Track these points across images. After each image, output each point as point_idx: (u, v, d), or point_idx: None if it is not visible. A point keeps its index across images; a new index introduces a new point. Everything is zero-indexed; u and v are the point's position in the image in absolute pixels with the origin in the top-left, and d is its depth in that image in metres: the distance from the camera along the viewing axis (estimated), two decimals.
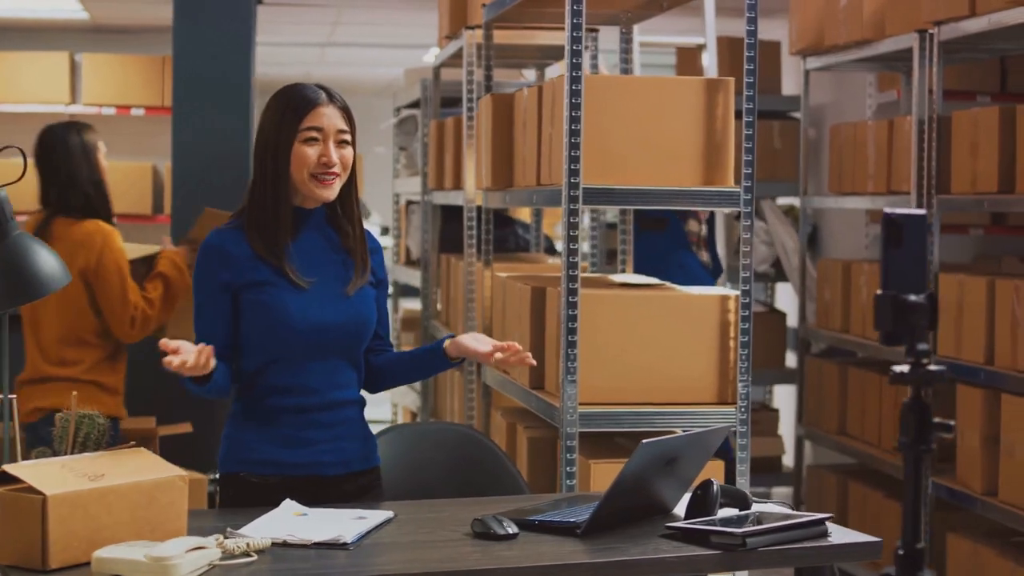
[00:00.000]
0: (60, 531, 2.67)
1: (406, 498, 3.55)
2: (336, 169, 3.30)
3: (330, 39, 10.06)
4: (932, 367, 1.97)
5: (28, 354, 5.08)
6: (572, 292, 3.96)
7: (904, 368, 1.97)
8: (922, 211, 2.03)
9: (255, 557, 2.79)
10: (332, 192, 3.32)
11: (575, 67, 3.93)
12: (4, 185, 2.83)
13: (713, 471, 3.63)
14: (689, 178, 4.05)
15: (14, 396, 3.05)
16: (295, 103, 3.30)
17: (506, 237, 7.52)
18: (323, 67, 11.81)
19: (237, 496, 3.32)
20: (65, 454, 3.01)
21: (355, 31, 9.68)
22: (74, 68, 9.29)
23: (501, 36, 5.55)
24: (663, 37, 7.76)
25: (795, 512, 3.15)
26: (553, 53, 6.25)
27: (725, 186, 4.05)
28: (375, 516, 3.12)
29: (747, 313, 4.02)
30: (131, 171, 9.00)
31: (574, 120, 3.93)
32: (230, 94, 7.10)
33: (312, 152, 3.28)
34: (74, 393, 3.01)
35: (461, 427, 4.14)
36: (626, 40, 5.17)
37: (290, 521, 3.06)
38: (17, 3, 8.71)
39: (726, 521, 3.02)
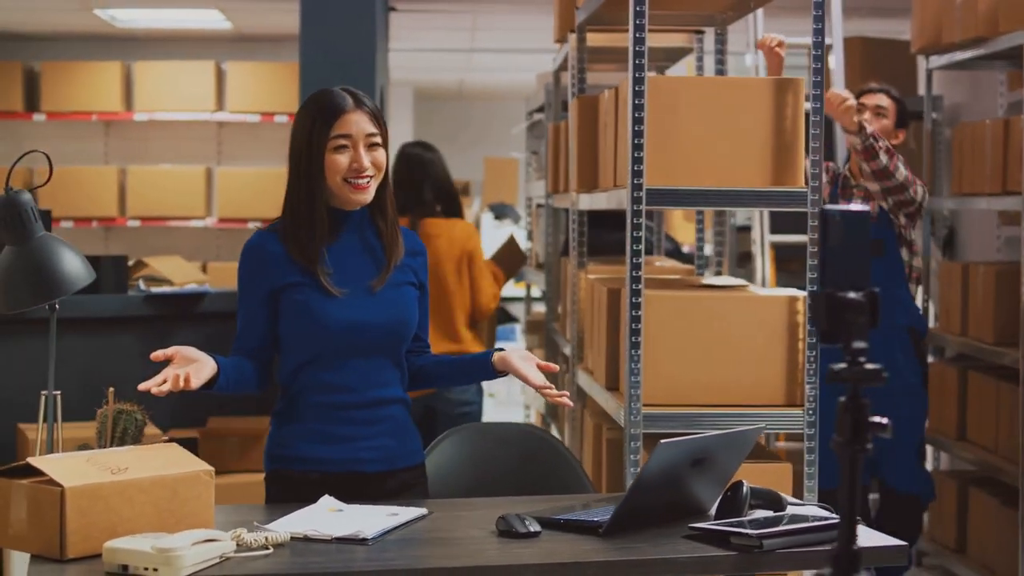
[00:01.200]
0: (79, 522, 2.76)
1: (469, 496, 3.58)
2: (368, 172, 3.35)
3: (473, 45, 10.15)
4: (869, 366, 1.94)
5: None
6: (636, 293, 3.96)
7: (840, 366, 1.95)
8: (864, 207, 2.00)
9: (271, 551, 2.85)
10: (367, 195, 3.37)
11: (638, 68, 3.93)
12: (36, 187, 2.94)
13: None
14: (757, 179, 4.01)
15: (58, 392, 3.15)
16: (324, 111, 3.36)
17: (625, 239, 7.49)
18: (472, 72, 11.93)
19: (281, 492, 3.39)
20: (105, 448, 3.10)
21: (495, 36, 9.76)
22: (220, 76, 9.54)
23: (616, 39, 5.57)
24: (791, 38, 7.66)
25: (832, 515, 3.10)
26: (672, 55, 6.23)
27: (796, 186, 4.01)
28: (408, 513, 3.16)
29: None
30: (273, 176, 9.19)
31: (637, 121, 3.92)
32: None
33: (343, 159, 3.34)
34: (111, 388, 3.10)
35: (525, 426, 4.17)
36: (720, 42, 5.14)
37: (323, 517, 3.11)
38: (164, 15, 8.97)
39: (749, 523, 2.99)
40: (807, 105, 3.99)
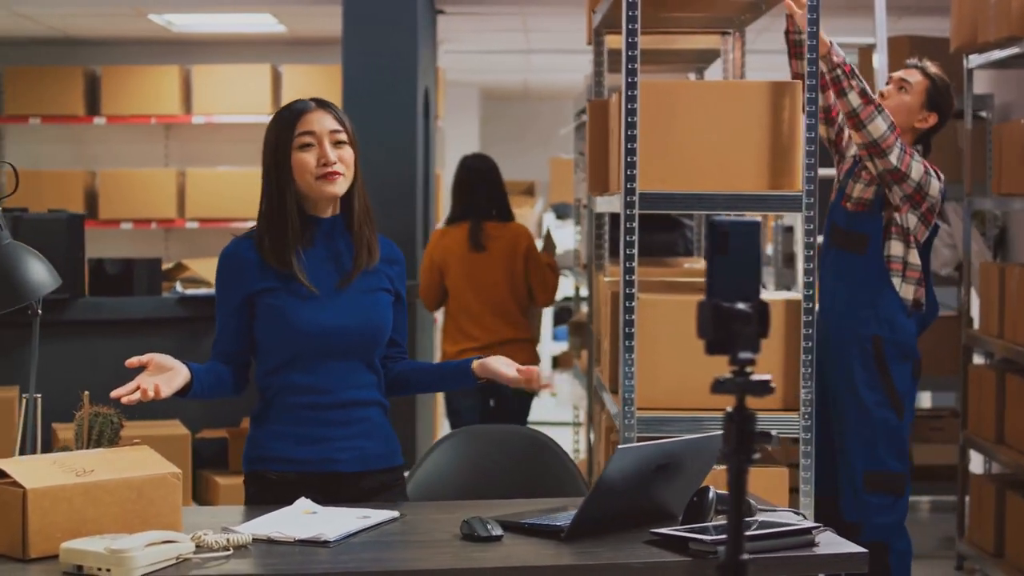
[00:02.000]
0: (41, 523, 2.82)
1: (464, 499, 3.62)
2: (338, 168, 3.40)
3: (529, 46, 10.17)
4: (755, 377, 1.94)
5: (455, 326, 6.60)
6: (629, 297, 3.97)
7: (725, 376, 1.96)
8: (756, 219, 2.00)
9: (231, 552, 2.90)
10: (339, 188, 3.41)
11: (631, 72, 3.94)
12: (6, 196, 3.01)
13: None
14: (754, 182, 4.01)
15: (39, 396, 3.22)
16: (287, 115, 3.44)
17: (675, 241, 7.51)
18: (534, 73, 11.96)
19: (259, 493, 3.44)
20: (82, 449, 3.16)
21: (549, 38, 9.78)
22: (276, 79, 9.64)
23: (656, 41, 5.59)
24: (837, 37, 7.61)
25: (800, 522, 3.09)
26: (708, 56, 6.21)
27: (793, 190, 4.00)
28: (379, 515, 3.20)
29: (810, 318, 3.96)
30: None
31: (630, 126, 3.94)
32: (397, 103, 7.27)
33: (310, 157, 3.39)
34: (86, 392, 3.16)
35: (527, 430, 4.18)
36: (739, 46, 5.12)
37: (295, 519, 3.16)
38: (218, 19, 9.08)
39: (712, 529, 2.99)
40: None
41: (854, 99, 4.57)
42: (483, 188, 6.68)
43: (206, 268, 6.47)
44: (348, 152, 3.44)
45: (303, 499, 3.29)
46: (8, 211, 5.74)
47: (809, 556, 2.95)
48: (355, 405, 3.46)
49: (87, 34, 9.73)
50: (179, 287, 6.19)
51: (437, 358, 7.65)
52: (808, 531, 3.00)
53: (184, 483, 5.48)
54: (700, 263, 6.40)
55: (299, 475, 3.41)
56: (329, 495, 3.37)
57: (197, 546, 2.90)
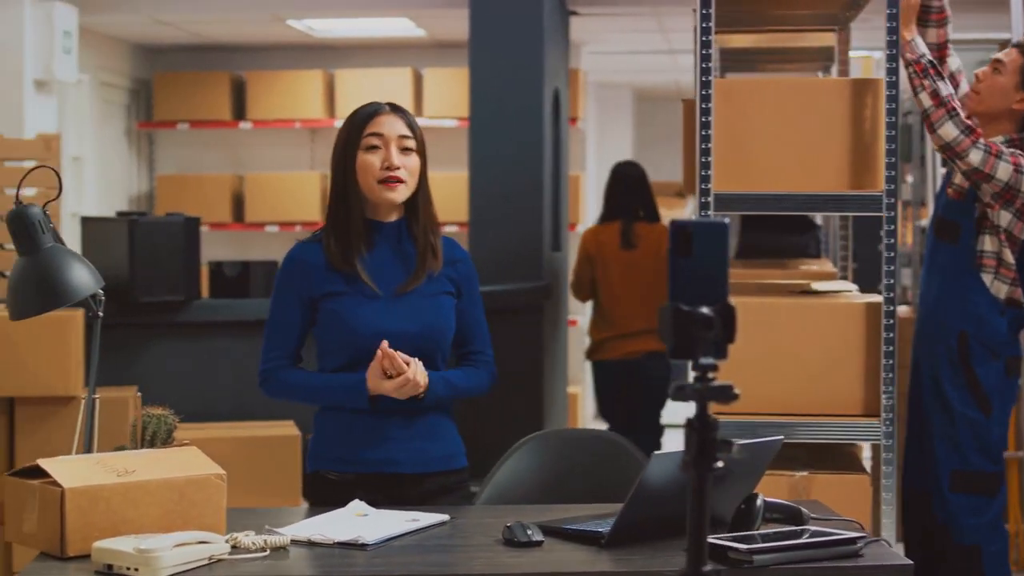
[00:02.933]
0: (79, 521, 2.87)
1: (541, 503, 3.59)
2: (401, 174, 3.39)
3: (670, 46, 10.09)
4: (717, 383, 1.89)
5: (602, 316, 7.30)
6: None
7: (687, 383, 1.91)
8: (723, 220, 1.94)
9: (267, 553, 2.92)
10: (398, 195, 3.41)
11: (705, 72, 3.88)
12: (48, 201, 3.07)
13: None
14: (834, 182, 3.92)
15: (97, 396, 3.28)
16: (358, 116, 3.44)
17: (807, 243, 7.41)
18: (682, 73, 11.85)
19: (320, 493, 3.46)
20: (137, 449, 3.21)
21: (689, 38, 9.67)
22: (418, 82, 9.71)
23: (780, 39, 5.52)
24: (971, 34, 7.42)
25: (846, 533, 3.00)
26: (823, 55, 6.10)
27: (875, 190, 3.90)
28: (428, 518, 3.19)
29: (891, 322, 3.85)
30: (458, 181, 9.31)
31: (704, 126, 3.88)
32: (525, 106, 7.27)
33: (375, 159, 3.39)
34: (138, 393, 3.21)
35: (605, 433, 4.14)
36: (843, 41, 5.01)
37: (344, 521, 3.17)
38: (358, 24, 9.18)
39: (760, 537, 2.93)
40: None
41: (925, 100, 4.33)
42: (632, 192, 7.43)
43: None
44: (414, 160, 3.43)
45: (356, 501, 3.29)
46: (125, 215, 5.87)
47: (850, 567, 2.86)
48: (417, 409, 3.45)
49: (232, 40, 9.91)
50: None
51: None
52: (852, 541, 2.91)
53: (292, 483, 5.57)
54: (823, 265, 6.28)
55: (359, 476, 3.42)
56: (389, 496, 3.38)
57: (233, 547, 2.92)
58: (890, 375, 3.85)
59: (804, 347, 3.90)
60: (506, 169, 7.27)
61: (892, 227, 3.86)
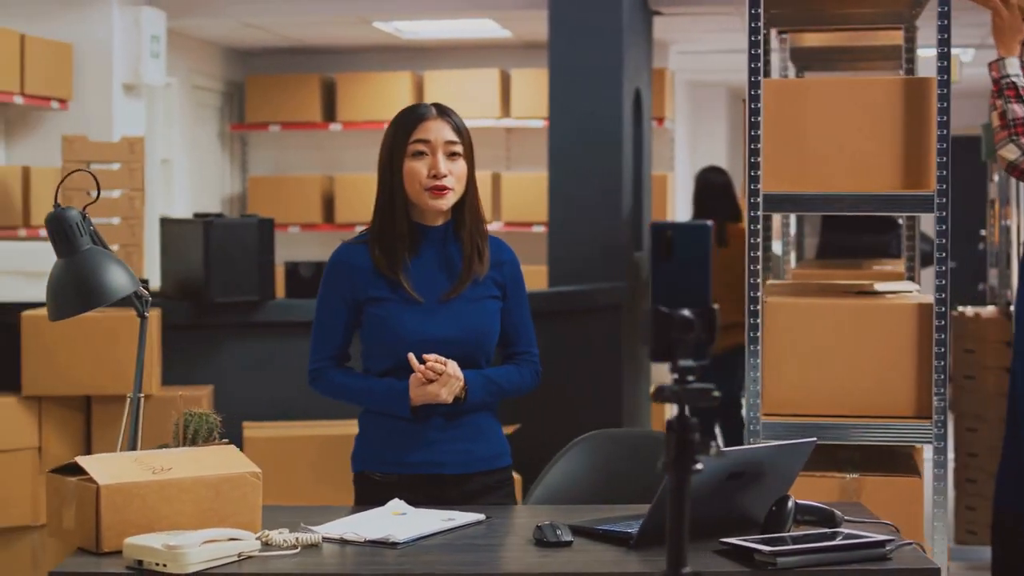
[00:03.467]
0: (114, 518, 2.93)
1: (592, 503, 3.61)
2: (447, 183, 3.40)
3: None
4: (696, 385, 1.89)
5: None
6: (753, 300, 3.89)
7: (667, 385, 1.91)
8: (706, 222, 1.94)
9: (298, 551, 2.96)
10: (444, 203, 3.42)
11: (754, 72, 3.86)
12: (88, 204, 3.13)
13: None
14: (885, 182, 3.88)
15: (142, 395, 3.35)
16: (405, 119, 3.44)
17: (888, 242, 7.35)
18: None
19: (366, 493, 3.50)
20: (178, 447, 3.26)
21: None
22: (505, 83, 9.75)
23: (849, 38, 5.48)
24: None
25: (893, 538, 2.97)
26: (892, 53, 6.02)
27: (928, 190, 3.86)
28: (464, 518, 3.21)
29: (943, 323, 3.81)
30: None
31: (753, 126, 3.86)
32: (604, 107, 7.28)
33: (422, 166, 3.40)
34: (180, 394, 3.27)
35: (656, 433, 4.14)
36: (909, 40, 4.96)
37: (381, 519, 3.20)
38: (443, 25, 9.24)
39: (790, 539, 2.91)
40: None
41: (994, 119, 4.30)
42: (717, 198, 8.09)
43: None
44: (461, 165, 3.44)
45: (396, 500, 3.32)
46: (202, 216, 5.96)
47: (875, 571, 2.84)
48: (459, 410, 3.47)
49: (322, 43, 10.02)
50: None
51: None
52: (881, 544, 2.88)
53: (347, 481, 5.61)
54: (898, 265, 6.21)
55: (402, 477, 3.45)
56: (432, 497, 3.41)
57: (266, 544, 2.97)
58: (941, 376, 3.80)
59: (856, 348, 3.87)
60: (585, 169, 7.29)
61: (943, 227, 3.82)
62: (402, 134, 3.43)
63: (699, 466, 1.89)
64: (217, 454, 3.16)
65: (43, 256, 6.21)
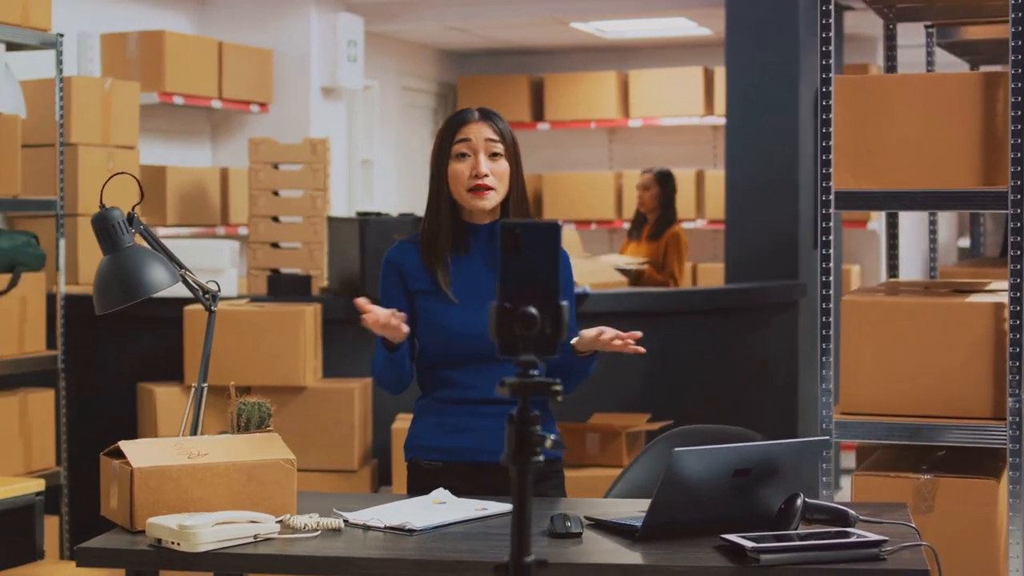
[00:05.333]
0: (147, 499, 3.12)
1: None
2: (489, 182, 3.50)
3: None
4: (538, 379, 1.96)
5: None
6: (825, 299, 3.88)
7: (509, 378, 1.98)
8: (556, 221, 2.00)
9: (318, 534, 3.11)
10: (486, 203, 3.52)
11: (825, 69, 3.85)
12: (135, 204, 3.34)
13: None
14: (958, 179, 3.81)
15: (205, 385, 3.55)
16: (450, 123, 3.57)
17: None
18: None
19: (415, 481, 3.62)
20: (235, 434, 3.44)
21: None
22: (708, 81, 9.74)
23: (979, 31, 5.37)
24: None
25: (879, 537, 2.94)
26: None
27: (1000, 187, 3.78)
28: (495, 508, 3.31)
29: (1017, 322, 3.73)
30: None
31: (824, 123, 3.85)
32: (779, 104, 7.26)
33: (464, 167, 3.52)
34: (232, 384, 3.46)
35: (737, 430, 4.14)
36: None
37: (422, 507, 3.32)
38: (640, 24, 9.30)
39: (793, 536, 2.93)
40: None
41: None
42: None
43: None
44: (502, 165, 3.54)
45: (440, 489, 3.44)
46: (364, 215, 6.18)
47: (860, 570, 2.82)
48: (508, 403, 3.56)
49: (530, 44, 10.18)
50: None
51: None
52: (874, 545, 2.87)
53: None
54: None
55: (448, 464, 3.56)
56: (478, 484, 3.51)
57: (287, 527, 3.12)
58: (1016, 377, 3.72)
59: (930, 348, 3.81)
60: (760, 167, 7.28)
61: (1018, 224, 3.73)
62: (447, 138, 3.56)
63: (540, 458, 1.95)
64: (257, 441, 3.32)
65: (216, 253, 6.55)
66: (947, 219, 10.24)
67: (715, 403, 6.54)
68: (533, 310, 1.95)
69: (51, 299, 5.87)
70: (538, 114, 10.18)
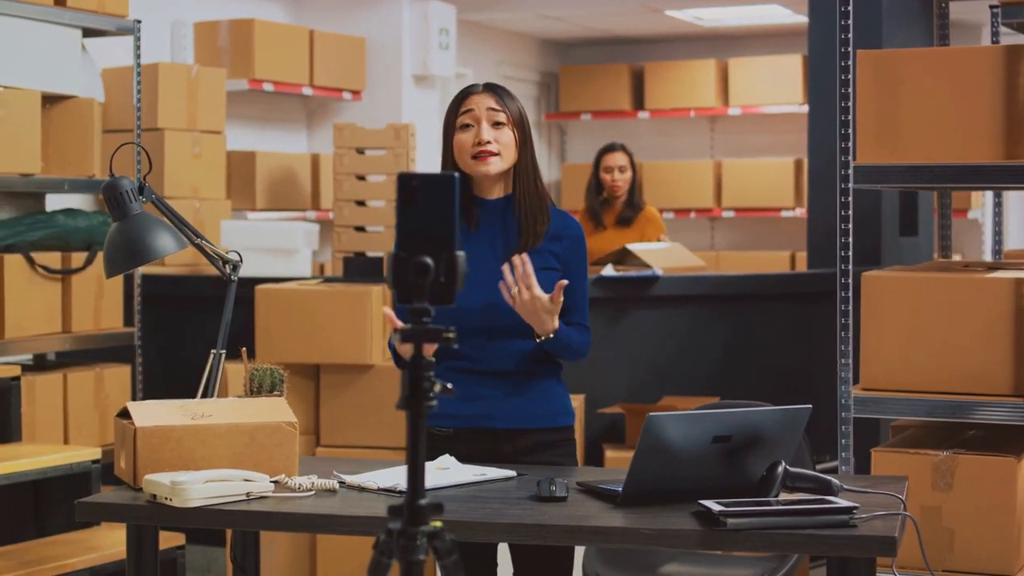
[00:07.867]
0: (149, 457, 3.24)
1: None
2: (491, 148, 3.56)
3: None
4: (431, 326, 2.02)
5: None
6: (844, 274, 3.87)
7: (406, 326, 2.04)
8: (452, 173, 2.04)
9: (311, 494, 3.19)
10: (491, 167, 3.57)
11: (844, 43, 3.84)
12: (145, 175, 3.45)
13: None
14: (981, 153, 3.78)
15: (223, 352, 3.65)
16: (455, 98, 3.63)
17: None
18: None
19: (428, 448, 3.68)
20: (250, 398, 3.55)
21: None
22: (807, 69, 9.66)
23: None
24: None
25: (850, 504, 2.94)
26: None
27: (1022, 161, 3.74)
28: (495, 474, 3.37)
29: None
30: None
31: (844, 97, 3.84)
32: None
33: (468, 136, 3.58)
34: (243, 348, 3.56)
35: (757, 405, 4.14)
36: None
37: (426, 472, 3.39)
38: (744, 12, 9.27)
39: (773, 503, 2.94)
40: None
41: None
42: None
43: (656, 256, 6.72)
44: (507, 134, 3.59)
45: (445, 456, 3.51)
46: None
47: (827, 535, 2.82)
48: (518, 374, 3.62)
49: (630, 33, 10.20)
50: (610, 269, 6.47)
51: None
52: (846, 511, 2.87)
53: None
54: None
55: (458, 431, 3.62)
56: (485, 450, 3.56)
57: (282, 487, 3.21)
58: None
59: (951, 324, 3.79)
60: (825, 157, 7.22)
61: None
62: (452, 111, 3.63)
63: (433, 403, 2.01)
64: (263, 405, 3.42)
65: (289, 235, 6.69)
66: None
67: (787, 388, 6.51)
68: (428, 259, 2.00)
69: (128, 278, 6.04)
70: (639, 103, 10.19)
